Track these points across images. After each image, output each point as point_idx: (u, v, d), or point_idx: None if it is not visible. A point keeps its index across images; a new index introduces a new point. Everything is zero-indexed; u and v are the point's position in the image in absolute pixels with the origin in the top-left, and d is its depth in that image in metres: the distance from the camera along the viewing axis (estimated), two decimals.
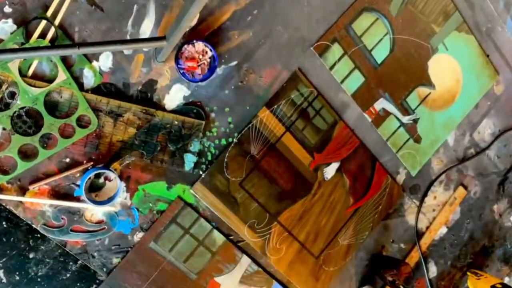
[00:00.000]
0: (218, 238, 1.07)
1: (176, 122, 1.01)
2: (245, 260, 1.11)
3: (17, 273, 0.94)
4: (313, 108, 1.13)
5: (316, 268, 1.20)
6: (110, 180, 0.98)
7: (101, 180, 0.98)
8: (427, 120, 1.27)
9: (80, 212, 0.97)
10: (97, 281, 1.00)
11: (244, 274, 1.11)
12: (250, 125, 1.07)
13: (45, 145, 0.93)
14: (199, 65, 1.00)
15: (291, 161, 1.12)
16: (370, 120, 1.20)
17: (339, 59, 1.14)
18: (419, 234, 1.34)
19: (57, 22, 0.90)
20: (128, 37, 0.96)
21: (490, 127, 1.38)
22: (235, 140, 1.07)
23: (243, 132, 1.07)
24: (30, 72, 0.90)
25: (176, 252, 1.04)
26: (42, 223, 0.95)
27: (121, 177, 0.98)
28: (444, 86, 1.28)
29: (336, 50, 1.13)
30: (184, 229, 1.04)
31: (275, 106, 1.09)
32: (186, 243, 1.05)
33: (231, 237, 1.09)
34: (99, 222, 0.99)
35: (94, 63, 0.94)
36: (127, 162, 0.99)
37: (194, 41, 0.99)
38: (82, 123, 0.94)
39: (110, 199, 0.97)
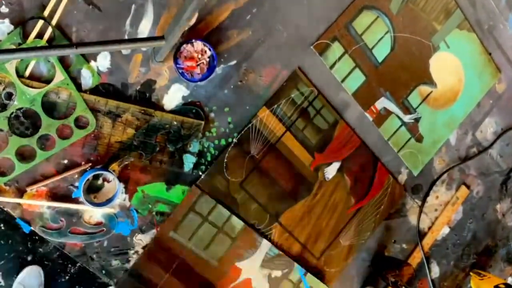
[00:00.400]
0: (237, 224, 1.08)
1: (175, 123, 1.01)
2: (265, 245, 1.11)
3: (16, 276, 0.94)
4: (313, 107, 1.13)
5: (317, 269, 1.20)
6: (108, 182, 0.98)
7: (100, 181, 0.98)
8: (428, 119, 1.27)
9: (79, 214, 0.97)
10: (96, 284, 1.00)
11: (265, 258, 1.12)
12: (250, 125, 1.07)
13: (43, 146, 0.93)
14: (198, 65, 1.00)
15: (291, 161, 1.12)
16: (371, 119, 1.20)
17: (340, 58, 1.14)
18: (421, 234, 1.34)
19: (54, 22, 0.90)
20: (126, 37, 0.96)
21: (493, 125, 1.38)
22: (234, 140, 1.07)
23: (243, 132, 1.07)
24: (27, 73, 0.90)
25: (196, 240, 1.05)
26: (40, 225, 0.95)
27: (119, 178, 0.98)
28: (445, 84, 1.28)
29: (336, 48, 1.13)
30: (202, 217, 1.05)
31: (275, 106, 1.09)
32: (206, 231, 1.06)
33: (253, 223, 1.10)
34: (98, 224, 0.99)
35: (92, 63, 0.94)
36: (126, 163, 0.99)
37: (193, 40, 0.99)
38: (80, 124, 0.94)
39: (108, 201, 0.97)
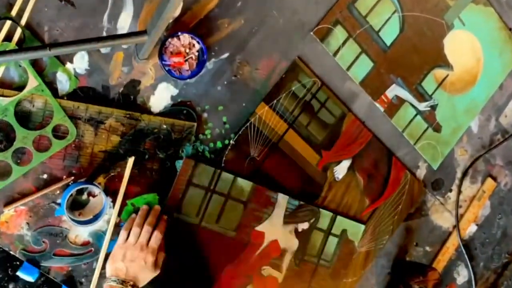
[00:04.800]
0: (245, 185, 1.07)
1: (164, 126, 1.01)
2: (282, 199, 1.11)
3: None
4: (317, 100, 1.13)
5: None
6: (94, 196, 0.98)
7: (84, 196, 0.98)
8: (446, 106, 1.27)
9: (63, 233, 0.97)
10: None
11: (286, 213, 1.12)
12: (248, 124, 1.07)
13: (18, 161, 0.92)
14: (186, 60, 1.00)
15: (296, 162, 1.12)
16: (382, 109, 1.20)
17: (343, 43, 1.14)
18: (446, 234, 1.33)
19: (23, 21, 0.90)
20: (104, 34, 0.96)
21: None
22: (232, 142, 1.07)
23: (240, 132, 1.07)
24: None
25: (205, 215, 1.05)
26: (21, 248, 0.94)
27: (106, 191, 0.98)
28: (463, 66, 1.28)
29: (339, 33, 1.13)
30: (204, 188, 1.04)
31: (275, 101, 1.09)
32: (213, 202, 1.06)
33: None
34: (85, 244, 0.99)
35: (68, 65, 0.94)
36: (112, 174, 0.99)
37: (179, 33, 0.99)
38: (59, 133, 0.94)
39: (95, 217, 0.97)
